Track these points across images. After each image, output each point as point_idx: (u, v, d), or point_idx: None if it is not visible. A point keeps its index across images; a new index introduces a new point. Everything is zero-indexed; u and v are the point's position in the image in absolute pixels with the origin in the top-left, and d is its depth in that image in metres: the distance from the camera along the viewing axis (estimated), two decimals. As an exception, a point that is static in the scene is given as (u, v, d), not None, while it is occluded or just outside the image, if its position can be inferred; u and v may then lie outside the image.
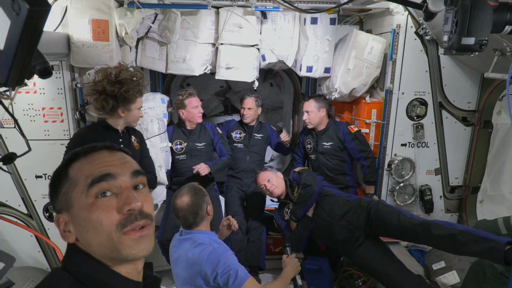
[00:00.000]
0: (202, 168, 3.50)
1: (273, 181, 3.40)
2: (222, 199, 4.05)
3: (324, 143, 3.90)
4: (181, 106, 3.72)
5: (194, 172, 3.50)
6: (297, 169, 3.57)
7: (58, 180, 0.96)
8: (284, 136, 4.24)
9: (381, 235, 3.12)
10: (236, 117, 4.83)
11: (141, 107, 2.86)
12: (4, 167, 2.35)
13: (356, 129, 3.82)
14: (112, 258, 0.93)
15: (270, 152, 5.51)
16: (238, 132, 4.22)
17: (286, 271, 2.43)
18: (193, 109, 3.69)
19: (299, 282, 2.53)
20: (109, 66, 2.73)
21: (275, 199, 3.53)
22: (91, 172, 0.93)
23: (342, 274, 3.51)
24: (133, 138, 3.01)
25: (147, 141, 3.33)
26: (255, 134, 4.20)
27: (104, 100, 2.62)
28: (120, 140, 2.87)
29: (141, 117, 2.91)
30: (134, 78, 2.65)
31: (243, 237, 3.67)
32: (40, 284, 0.93)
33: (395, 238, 3.16)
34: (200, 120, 3.77)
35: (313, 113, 3.83)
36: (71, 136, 3.19)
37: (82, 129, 3.00)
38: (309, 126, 3.90)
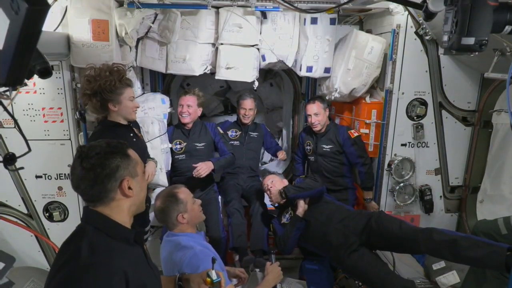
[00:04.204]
0: (203, 169, 3.45)
1: (275, 183, 3.53)
2: (221, 199, 4.05)
3: (324, 146, 3.90)
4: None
5: (194, 175, 3.46)
6: (302, 176, 3.76)
7: (128, 155, 1.47)
8: (281, 155, 4.32)
9: (379, 246, 3.09)
10: (232, 118, 4.83)
11: (133, 97, 2.82)
12: (13, 166, 2.37)
13: (356, 134, 3.83)
14: (136, 210, 1.54)
15: (270, 152, 5.51)
16: (234, 131, 4.28)
17: (267, 279, 2.36)
18: (179, 107, 3.76)
19: None
20: (89, 71, 2.75)
21: (276, 204, 3.56)
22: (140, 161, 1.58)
23: (342, 274, 3.51)
24: (135, 130, 3.04)
25: (147, 144, 3.33)
26: (250, 133, 4.27)
27: (89, 100, 2.65)
28: (131, 134, 2.88)
29: (137, 107, 2.87)
30: (108, 73, 2.66)
31: (242, 221, 3.69)
32: (71, 234, 1.43)
33: (393, 249, 3.10)
34: (183, 120, 3.76)
35: (321, 114, 3.83)
36: (89, 137, 3.20)
37: (97, 131, 2.99)
38: (318, 128, 3.87)
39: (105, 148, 1.42)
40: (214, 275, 1.77)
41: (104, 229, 1.40)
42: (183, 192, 2.31)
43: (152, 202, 3.90)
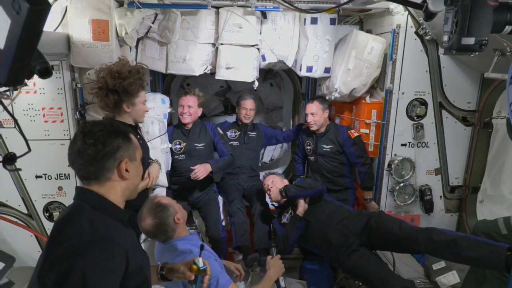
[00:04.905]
0: (200, 172, 3.43)
1: (275, 182, 3.54)
2: (221, 199, 4.05)
3: (324, 146, 3.91)
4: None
5: (192, 178, 3.44)
6: (303, 176, 3.80)
7: (129, 138, 1.49)
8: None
9: (379, 246, 3.09)
10: (232, 118, 4.84)
11: (145, 101, 2.86)
12: (13, 166, 2.37)
13: (356, 134, 3.83)
14: (129, 195, 1.54)
15: (270, 153, 5.51)
16: (233, 131, 4.27)
17: (268, 274, 2.34)
18: (179, 107, 3.75)
19: (282, 284, 2.46)
20: (111, 63, 2.74)
21: (276, 204, 3.57)
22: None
23: (342, 274, 3.51)
24: (139, 132, 3.07)
25: (148, 144, 3.34)
26: (249, 133, 4.27)
27: (106, 95, 2.63)
28: (138, 136, 2.90)
29: (147, 111, 2.91)
30: (128, 72, 2.67)
31: (245, 220, 3.71)
32: (65, 212, 1.42)
33: (393, 249, 3.10)
34: (183, 120, 3.75)
35: (318, 115, 3.83)
36: None
37: None
38: (314, 128, 3.89)
39: (108, 127, 1.44)
40: (200, 263, 1.79)
41: (100, 208, 1.41)
42: (164, 198, 2.30)
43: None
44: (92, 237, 1.29)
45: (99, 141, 1.38)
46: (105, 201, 1.44)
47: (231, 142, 4.16)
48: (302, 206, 3.29)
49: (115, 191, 1.46)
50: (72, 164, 1.42)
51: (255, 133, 4.32)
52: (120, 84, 2.60)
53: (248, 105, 4.14)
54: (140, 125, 3.31)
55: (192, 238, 2.29)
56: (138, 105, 2.77)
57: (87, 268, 1.23)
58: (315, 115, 3.83)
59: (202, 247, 1.89)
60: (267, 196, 3.77)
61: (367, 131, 3.90)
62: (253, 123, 4.36)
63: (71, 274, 1.21)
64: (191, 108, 3.71)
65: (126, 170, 1.45)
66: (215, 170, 3.62)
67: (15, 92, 2.07)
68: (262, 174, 4.36)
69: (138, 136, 2.91)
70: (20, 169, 3.31)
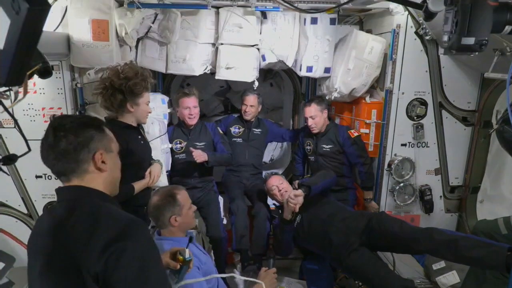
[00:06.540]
0: (198, 155, 3.43)
1: (284, 184, 3.54)
2: (221, 199, 4.05)
3: (324, 146, 3.90)
4: (176, 104, 3.78)
5: (191, 152, 3.43)
6: (307, 175, 3.79)
7: (103, 130, 1.44)
8: None
9: (380, 247, 3.09)
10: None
11: (149, 102, 2.88)
12: (4, 168, 2.36)
13: (356, 134, 3.83)
14: (111, 189, 1.48)
15: (270, 153, 5.51)
16: (237, 127, 4.24)
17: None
18: (184, 110, 3.68)
19: None
20: (118, 64, 2.76)
21: (278, 203, 3.56)
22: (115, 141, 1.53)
23: (342, 274, 3.51)
24: (142, 132, 3.06)
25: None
26: (254, 129, 4.24)
27: (111, 95, 2.64)
28: (139, 137, 2.90)
29: (150, 112, 2.92)
30: (137, 73, 2.69)
31: (246, 221, 3.71)
32: (68, 211, 1.32)
33: (394, 249, 3.10)
34: (191, 122, 3.73)
35: (318, 117, 3.82)
36: None
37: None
38: (315, 131, 3.88)
39: (79, 118, 1.43)
40: (187, 254, 1.81)
41: (103, 199, 1.41)
42: (182, 195, 2.27)
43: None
44: (128, 221, 1.29)
45: (70, 132, 1.34)
46: (101, 192, 1.41)
47: (235, 139, 4.15)
48: (288, 208, 3.23)
49: (97, 183, 1.41)
50: (46, 160, 1.39)
51: (260, 129, 4.28)
52: (125, 83, 2.62)
53: (248, 101, 4.12)
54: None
55: (181, 240, 2.24)
56: (141, 106, 2.78)
57: (141, 247, 1.24)
58: (315, 117, 3.81)
59: (190, 239, 1.89)
60: (268, 197, 3.77)
61: (367, 131, 3.90)
62: (258, 119, 4.33)
63: (126, 253, 1.20)
64: (196, 108, 3.71)
65: (103, 162, 1.41)
66: (211, 160, 3.58)
67: (19, 96, 2.08)
68: (264, 173, 4.36)
69: (140, 137, 2.91)
70: (9, 174, 3.34)
